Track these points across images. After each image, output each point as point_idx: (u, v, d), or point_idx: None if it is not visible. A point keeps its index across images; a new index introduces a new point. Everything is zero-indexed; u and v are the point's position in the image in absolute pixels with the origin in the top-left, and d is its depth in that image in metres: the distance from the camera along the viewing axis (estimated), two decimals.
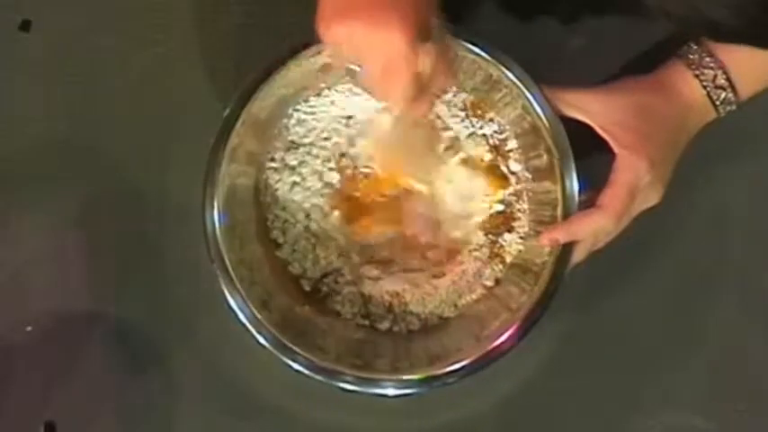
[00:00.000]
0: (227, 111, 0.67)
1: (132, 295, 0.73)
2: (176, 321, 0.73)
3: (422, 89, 0.59)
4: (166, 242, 0.73)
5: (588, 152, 0.66)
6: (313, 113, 0.73)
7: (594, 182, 0.66)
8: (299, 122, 0.73)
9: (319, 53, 0.67)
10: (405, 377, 0.66)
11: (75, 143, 0.75)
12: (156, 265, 0.74)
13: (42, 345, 0.72)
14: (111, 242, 0.74)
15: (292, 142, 0.73)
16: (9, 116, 0.75)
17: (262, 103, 0.68)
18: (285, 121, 0.72)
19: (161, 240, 0.74)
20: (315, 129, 0.73)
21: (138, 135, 0.75)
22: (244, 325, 0.65)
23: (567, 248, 0.66)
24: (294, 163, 0.72)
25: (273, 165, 0.72)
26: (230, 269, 0.66)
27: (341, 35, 0.57)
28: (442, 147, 0.72)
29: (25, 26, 0.76)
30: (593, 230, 0.65)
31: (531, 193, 0.72)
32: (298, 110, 0.72)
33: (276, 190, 0.72)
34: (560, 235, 0.66)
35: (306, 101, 0.72)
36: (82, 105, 0.75)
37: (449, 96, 0.73)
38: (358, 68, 0.60)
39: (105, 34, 0.76)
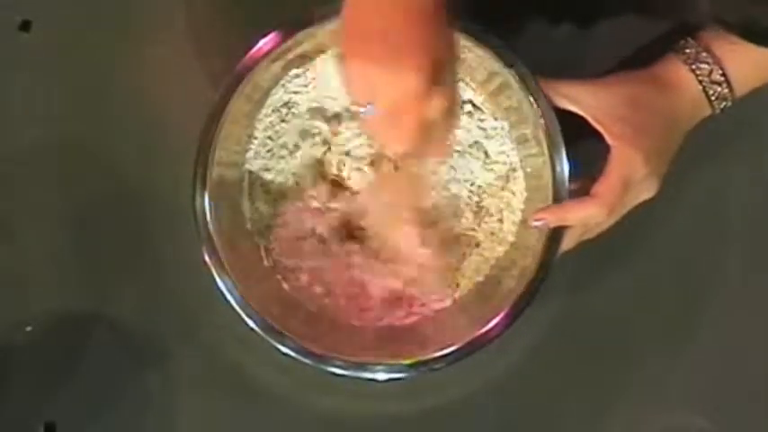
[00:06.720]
0: (218, 95, 0.67)
1: (132, 295, 0.73)
2: (177, 321, 0.73)
3: (425, 136, 0.57)
4: (167, 242, 0.73)
5: (581, 142, 0.66)
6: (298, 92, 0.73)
7: (587, 172, 0.66)
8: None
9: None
10: (394, 362, 0.66)
11: (74, 143, 0.75)
12: (156, 265, 0.74)
13: (42, 345, 0.73)
14: (111, 242, 0.74)
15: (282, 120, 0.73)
16: (9, 116, 0.75)
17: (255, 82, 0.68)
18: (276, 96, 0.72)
19: (161, 240, 0.74)
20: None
21: (139, 135, 0.75)
22: (233, 308, 0.65)
23: (556, 239, 0.66)
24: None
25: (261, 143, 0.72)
26: (219, 251, 0.66)
27: (355, 69, 0.55)
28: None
29: (25, 26, 0.76)
30: (583, 218, 0.66)
31: (522, 183, 0.71)
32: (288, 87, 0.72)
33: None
34: (550, 216, 0.66)
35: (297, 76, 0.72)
36: (82, 105, 0.75)
37: None
38: (362, 110, 0.57)
39: (105, 34, 0.76)
